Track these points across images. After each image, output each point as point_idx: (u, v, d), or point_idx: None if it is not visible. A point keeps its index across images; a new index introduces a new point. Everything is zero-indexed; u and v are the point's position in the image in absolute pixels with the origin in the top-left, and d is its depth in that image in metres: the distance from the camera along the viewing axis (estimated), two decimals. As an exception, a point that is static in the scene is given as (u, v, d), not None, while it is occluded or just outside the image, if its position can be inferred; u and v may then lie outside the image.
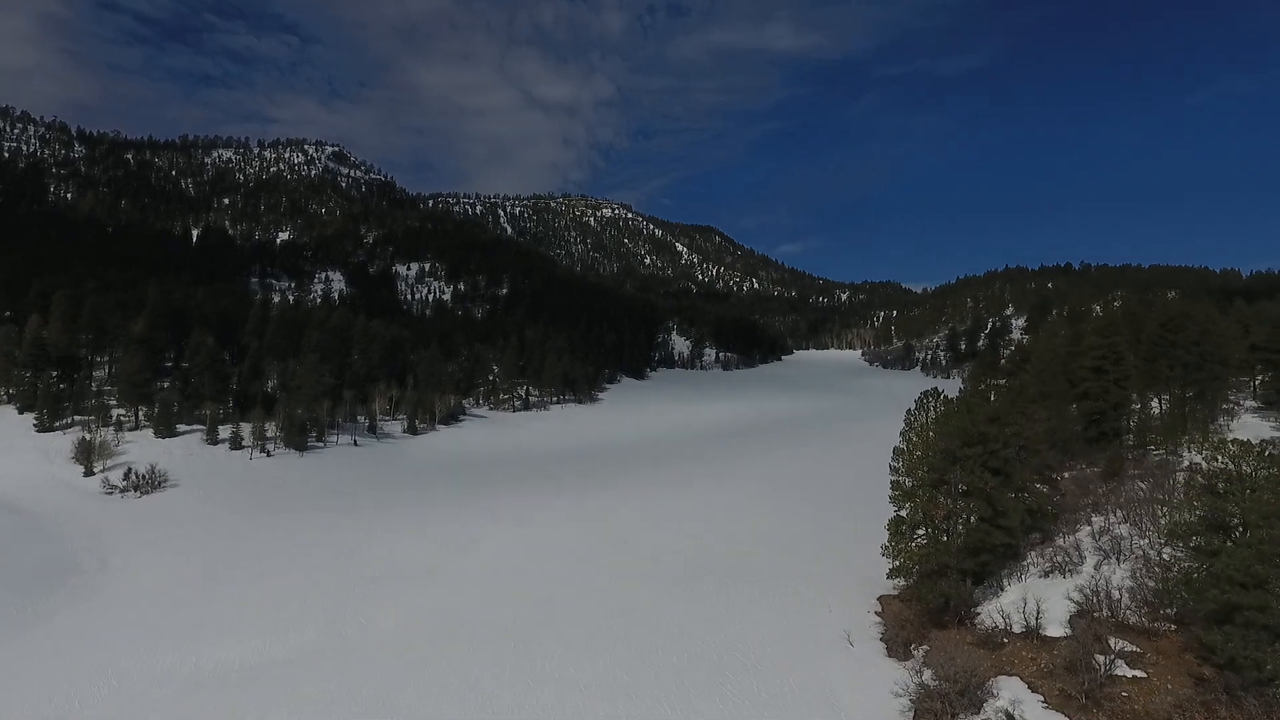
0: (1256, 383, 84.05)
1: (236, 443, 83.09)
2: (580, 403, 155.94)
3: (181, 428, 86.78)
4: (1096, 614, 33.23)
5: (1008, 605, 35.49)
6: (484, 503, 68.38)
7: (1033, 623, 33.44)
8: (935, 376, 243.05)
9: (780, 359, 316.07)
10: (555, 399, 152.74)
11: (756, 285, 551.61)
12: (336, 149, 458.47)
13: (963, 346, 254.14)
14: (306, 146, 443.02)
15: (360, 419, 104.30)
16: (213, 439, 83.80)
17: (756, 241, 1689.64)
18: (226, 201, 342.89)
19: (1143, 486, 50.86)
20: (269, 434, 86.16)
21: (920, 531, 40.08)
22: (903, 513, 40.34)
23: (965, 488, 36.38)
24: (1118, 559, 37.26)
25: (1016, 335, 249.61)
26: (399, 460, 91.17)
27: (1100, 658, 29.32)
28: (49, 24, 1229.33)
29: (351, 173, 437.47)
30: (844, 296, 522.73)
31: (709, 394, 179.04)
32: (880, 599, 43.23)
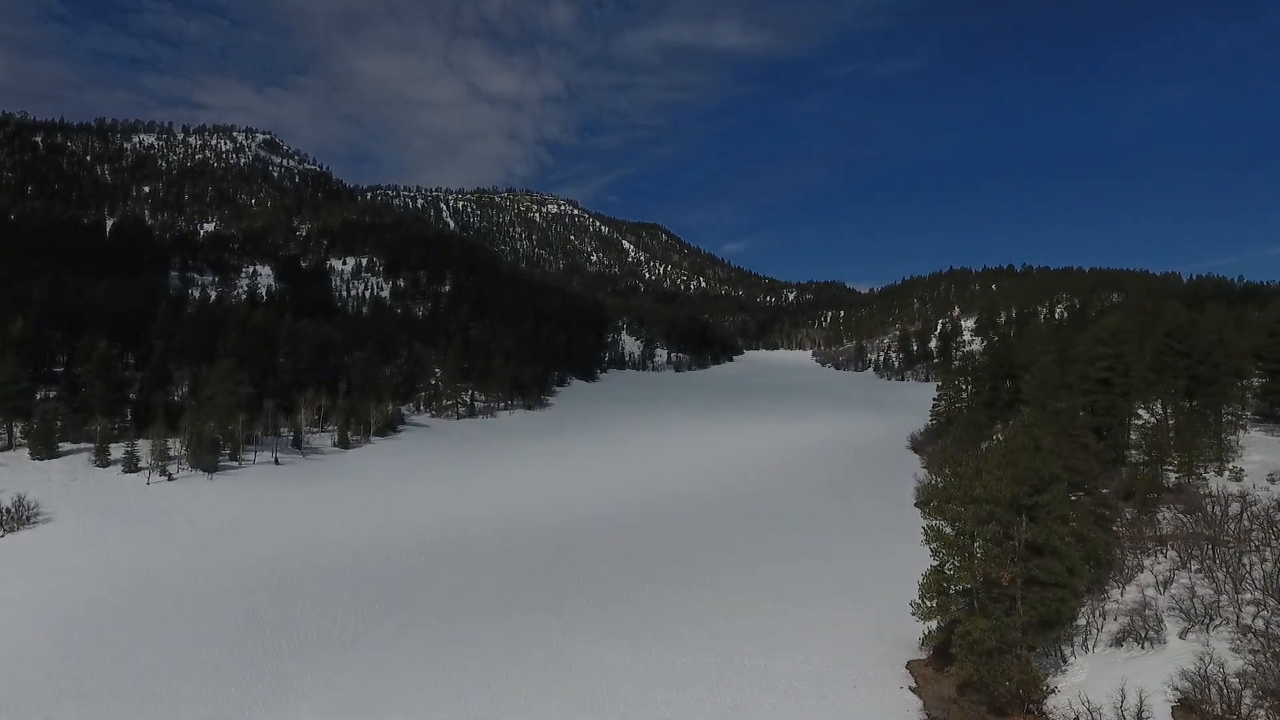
0: (1249, 394, 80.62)
1: (132, 464, 71.06)
2: (529, 408, 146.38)
3: (67, 446, 74.41)
4: (1207, 706, 26.54)
5: (1094, 692, 28.46)
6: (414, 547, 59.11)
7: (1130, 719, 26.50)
8: (889, 378, 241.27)
9: (732, 359, 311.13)
10: (503, 404, 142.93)
11: (704, 284, 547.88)
12: (268, 136, 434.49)
13: (914, 348, 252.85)
14: (236, 134, 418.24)
15: (284, 432, 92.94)
16: (103, 460, 71.61)
17: (701, 239, 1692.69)
18: (147, 190, 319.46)
19: (1185, 518, 45.22)
20: (172, 453, 74.45)
21: (964, 587, 33.04)
22: (943, 565, 33.23)
23: (1036, 543, 29.22)
24: (1207, 626, 30.78)
25: (968, 337, 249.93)
26: (326, 480, 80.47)
27: (1241, 779, 22.55)
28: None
29: (284, 162, 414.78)
30: (791, 296, 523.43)
31: (669, 406, 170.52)
32: (910, 666, 36.08)
